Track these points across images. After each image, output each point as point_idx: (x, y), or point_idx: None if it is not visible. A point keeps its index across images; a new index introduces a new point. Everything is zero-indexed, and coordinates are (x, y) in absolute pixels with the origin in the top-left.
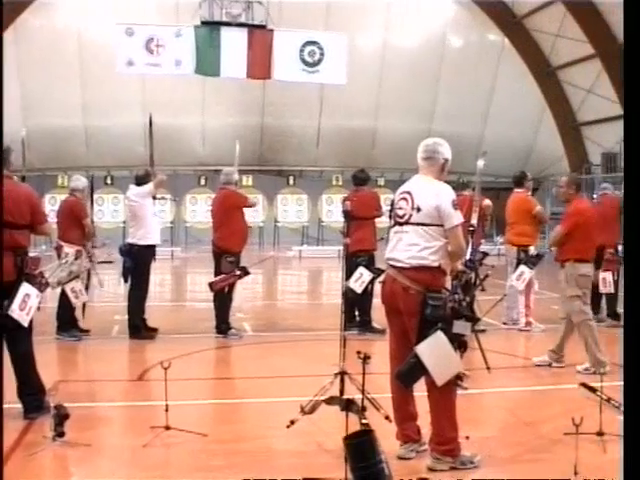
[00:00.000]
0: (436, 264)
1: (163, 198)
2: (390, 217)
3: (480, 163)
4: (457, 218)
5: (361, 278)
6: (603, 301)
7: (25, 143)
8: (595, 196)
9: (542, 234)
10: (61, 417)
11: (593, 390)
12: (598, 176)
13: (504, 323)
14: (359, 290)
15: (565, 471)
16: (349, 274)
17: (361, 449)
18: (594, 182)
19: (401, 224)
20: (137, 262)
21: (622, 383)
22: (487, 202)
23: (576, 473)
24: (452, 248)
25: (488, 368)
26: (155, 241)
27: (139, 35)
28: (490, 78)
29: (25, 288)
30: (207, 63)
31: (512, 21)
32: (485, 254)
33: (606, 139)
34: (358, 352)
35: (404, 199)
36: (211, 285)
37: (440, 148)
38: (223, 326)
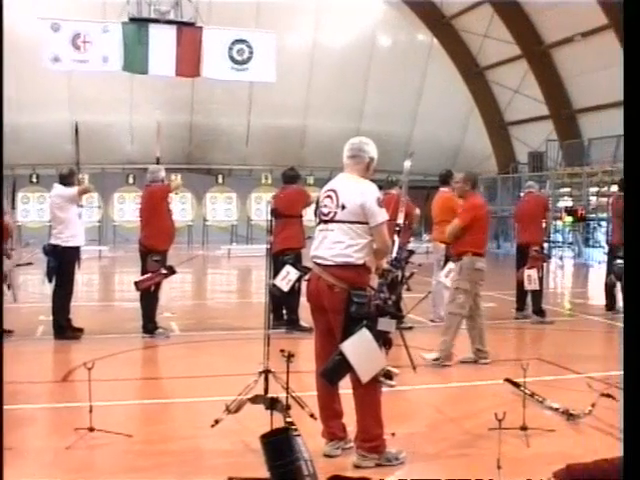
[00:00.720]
0: (361, 262)
1: (90, 206)
2: (315, 215)
3: (407, 164)
4: (381, 216)
5: (288, 276)
6: (528, 298)
7: None
8: (522, 194)
9: None
10: None
11: (517, 385)
12: (525, 175)
13: (431, 320)
14: (286, 288)
15: (489, 466)
16: (276, 273)
17: (277, 447)
18: (521, 180)
19: (326, 222)
20: (61, 262)
21: (550, 380)
22: (417, 212)
23: (499, 467)
24: (377, 245)
25: (414, 368)
26: (79, 243)
27: (65, 30)
28: (419, 78)
29: None
30: (135, 60)
31: (441, 21)
32: (411, 252)
33: (532, 138)
34: (282, 350)
35: (329, 197)
36: (137, 284)
37: (366, 147)
38: (150, 325)
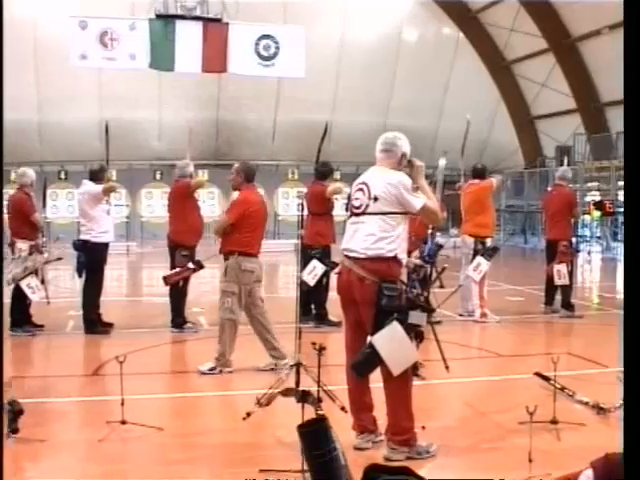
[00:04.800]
0: (392, 254)
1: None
2: (347, 209)
3: (442, 162)
4: (419, 200)
5: (314, 271)
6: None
7: None
8: (549, 188)
9: (497, 226)
10: (15, 413)
11: (547, 379)
12: (552, 169)
13: (460, 315)
14: (312, 283)
15: (520, 459)
16: (304, 267)
17: (315, 437)
18: (548, 175)
19: (357, 214)
20: (91, 257)
21: (581, 374)
22: (444, 215)
23: (531, 461)
24: (431, 223)
25: (447, 367)
26: (109, 239)
27: (93, 28)
28: (445, 72)
29: None
30: (162, 57)
31: (467, 16)
32: (440, 246)
33: (560, 132)
34: (313, 343)
35: (360, 190)
36: (165, 279)
37: (399, 142)
38: (179, 320)
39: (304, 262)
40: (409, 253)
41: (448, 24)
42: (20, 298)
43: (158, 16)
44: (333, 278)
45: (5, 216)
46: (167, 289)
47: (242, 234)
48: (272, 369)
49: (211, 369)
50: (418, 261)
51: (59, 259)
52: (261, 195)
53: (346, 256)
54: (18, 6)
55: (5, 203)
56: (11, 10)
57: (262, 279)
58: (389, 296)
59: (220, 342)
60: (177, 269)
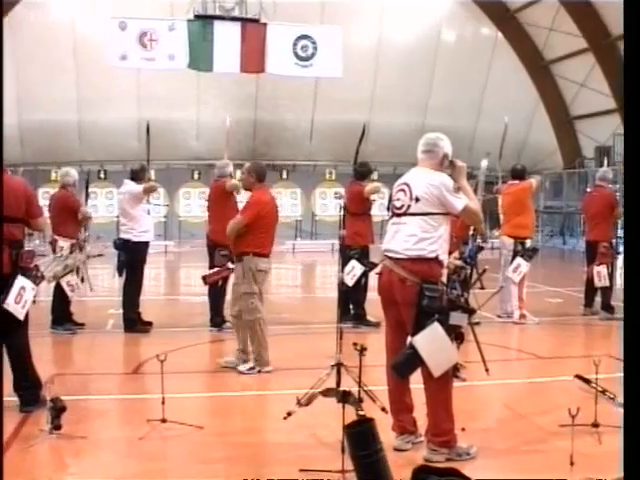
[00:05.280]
0: (433, 255)
1: (157, 204)
2: (388, 209)
3: (484, 163)
4: (461, 201)
5: (353, 271)
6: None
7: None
8: (588, 189)
9: (536, 227)
10: (58, 410)
11: (588, 382)
12: (591, 170)
13: (498, 316)
14: (350, 283)
15: (561, 462)
16: (342, 268)
17: (362, 437)
18: (587, 176)
19: (399, 215)
20: (132, 257)
21: (622, 377)
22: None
23: (572, 464)
24: (472, 224)
25: (487, 370)
26: (150, 238)
27: (132, 29)
28: (484, 72)
29: (20, 281)
30: (200, 58)
31: (506, 15)
32: (481, 248)
33: (599, 133)
34: (355, 344)
35: (402, 190)
36: (204, 278)
37: (441, 142)
38: (218, 319)
39: (343, 262)
40: (449, 254)
41: (487, 24)
42: (61, 296)
43: (197, 17)
44: (372, 278)
45: (47, 214)
46: (206, 288)
47: (256, 234)
48: (233, 367)
49: (250, 369)
50: (459, 262)
51: (100, 255)
52: (272, 195)
53: (387, 257)
54: (56, 8)
55: (47, 202)
56: (49, 12)
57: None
58: (430, 297)
59: (254, 343)
60: (216, 268)
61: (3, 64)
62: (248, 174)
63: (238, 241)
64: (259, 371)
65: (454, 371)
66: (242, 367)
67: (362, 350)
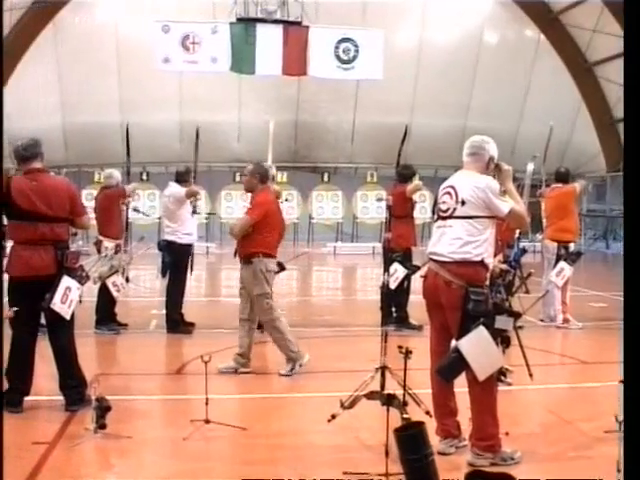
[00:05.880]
0: (479, 258)
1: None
2: (433, 212)
3: (530, 166)
4: (507, 205)
5: (395, 274)
6: None
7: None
8: None
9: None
10: (103, 409)
11: None
12: None
13: (541, 320)
14: (393, 286)
15: (607, 469)
16: (387, 270)
17: (412, 441)
18: None
19: (444, 218)
20: (176, 258)
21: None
22: None
23: (619, 470)
24: (519, 228)
25: (530, 375)
26: (194, 240)
27: (175, 32)
28: (526, 74)
29: (66, 281)
30: (242, 61)
31: (549, 17)
32: (524, 251)
33: None
34: (400, 347)
35: (448, 193)
36: None
37: (487, 145)
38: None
39: (386, 265)
40: (493, 257)
41: (529, 26)
42: (106, 297)
43: (239, 20)
44: (414, 281)
45: (92, 215)
46: None
47: (264, 235)
48: (233, 371)
49: (290, 370)
50: (504, 266)
51: (142, 238)
52: (275, 197)
53: (432, 260)
54: (100, 11)
55: (92, 204)
56: (93, 15)
57: None
58: (476, 300)
59: (279, 345)
60: None
61: (3, 64)
62: (252, 176)
63: (245, 242)
64: (300, 365)
65: (500, 375)
66: (283, 371)
67: (407, 353)
